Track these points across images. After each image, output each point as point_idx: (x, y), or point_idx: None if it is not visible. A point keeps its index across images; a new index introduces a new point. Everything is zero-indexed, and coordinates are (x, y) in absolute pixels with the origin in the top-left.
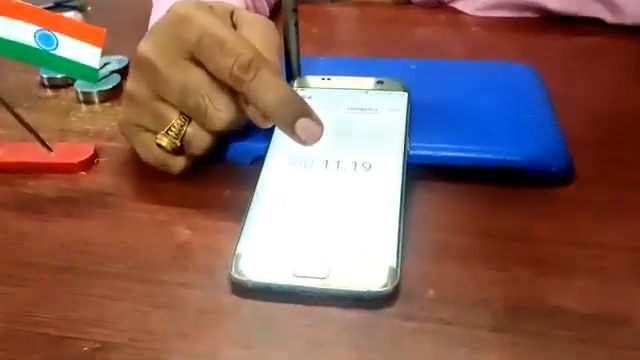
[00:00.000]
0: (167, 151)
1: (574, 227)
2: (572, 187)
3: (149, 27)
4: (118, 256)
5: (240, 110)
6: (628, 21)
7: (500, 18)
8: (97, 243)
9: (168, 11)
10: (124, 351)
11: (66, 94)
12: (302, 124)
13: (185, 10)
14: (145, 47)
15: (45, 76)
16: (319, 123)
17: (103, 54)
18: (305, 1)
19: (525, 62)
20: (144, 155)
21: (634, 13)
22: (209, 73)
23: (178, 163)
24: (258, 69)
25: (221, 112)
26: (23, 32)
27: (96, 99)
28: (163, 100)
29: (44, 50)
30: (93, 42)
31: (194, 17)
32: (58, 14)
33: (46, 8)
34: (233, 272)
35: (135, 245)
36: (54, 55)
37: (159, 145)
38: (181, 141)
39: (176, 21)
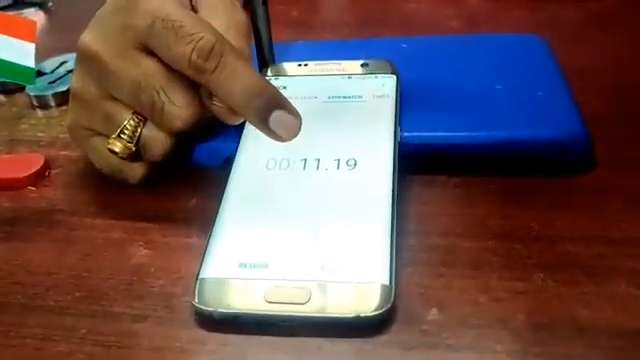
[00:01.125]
0: (121, 157)
1: (604, 221)
2: (595, 174)
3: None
4: (63, 285)
5: (203, 105)
6: None
7: None
8: (39, 271)
9: None
10: None
11: (19, 99)
12: (277, 117)
13: None
14: (88, 38)
15: None
16: (296, 116)
17: (61, 52)
18: None
19: (530, 33)
20: (98, 163)
21: None
22: (164, 63)
23: (135, 171)
24: (222, 55)
25: (180, 108)
26: None
27: (52, 102)
28: (113, 98)
29: None
30: (25, 37)
31: (143, 0)
32: None
33: (5, 7)
34: (196, 301)
35: (84, 271)
36: None
37: (111, 151)
38: (136, 145)
39: (123, 5)
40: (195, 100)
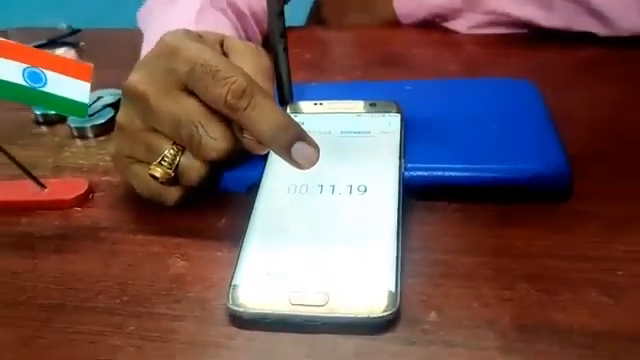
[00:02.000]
0: (161, 182)
1: (579, 242)
2: (574, 202)
3: (141, 55)
4: (110, 291)
5: (235, 138)
6: (620, 33)
7: (494, 35)
8: (89, 279)
9: (158, 42)
10: None
11: (60, 130)
12: (298, 148)
13: (175, 40)
14: (135, 78)
15: (38, 113)
16: (315, 146)
17: (96, 88)
18: (296, 27)
19: (523, 78)
20: (138, 187)
21: (625, 25)
22: (202, 102)
23: (173, 194)
24: (252, 96)
25: (216, 141)
26: (11, 70)
27: (90, 134)
28: (155, 131)
29: (33, 87)
30: (82, 77)
31: (184, 47)
32: (45, 51)
33: (40, 45)
34: (230, 303)
35: (129, 279)
36: (43, 92)
37: (152, 176)
38: (175, 171)
39: (166, 51)
40: (228, 134)
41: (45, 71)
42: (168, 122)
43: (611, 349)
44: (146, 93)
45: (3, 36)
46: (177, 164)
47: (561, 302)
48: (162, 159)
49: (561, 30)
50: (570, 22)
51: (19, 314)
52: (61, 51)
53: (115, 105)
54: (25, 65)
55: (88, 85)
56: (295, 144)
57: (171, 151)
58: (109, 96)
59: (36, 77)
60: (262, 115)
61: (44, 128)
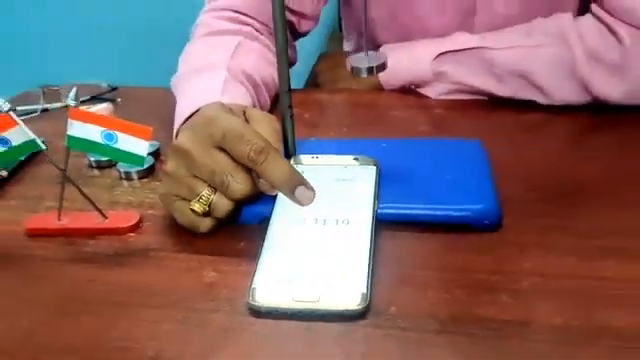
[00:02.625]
0: (198, 215)
1: (499, 261)
2: (500, 232)
3: (175, 117)
4: (163, 292)
5: (254, 183)
6: (556, 102)
7: (458, 100)
8: (145, 285)
9: (200, 113)
10: (173, 358)
11: (109, 173)
12: (300, 191)
13: (212, 113)
14: (183, 140)
15: (92, 159)
16: (312, 190)
17: None
18: (297, 90)
19: (478, 136)
20: (179, 218)
21: (559, 96)
22: (231, 157)
23: (206, 224)
24: (267, 153)
25: (240, 185)
26: (92, 132)
27: (135, 176)
28: (195, 177)
29: (107, 145)
30: (142, 137)
31: (219, 117)
32: (118, 118)
33: (84, 100)
34: (250, 300)
35: (174, 285)
36: (115, 148)
37: (192, 210)
38: (209, 207)
39: (206, 121)
40: (250, 180)
41: (117, 133)
42: (206, 171)
43: (511, 331)
44: (190, 150)
45: (56, 92)
46: (210, 201)
47: (481, 302)
48: (200, 198)
49: (511, 98)
50: (517, 92)
51: (95, 308)
52: (102, 106)
53: (154, 154)
54: (103, 128)
55: (147, 143)
56: (297, 188)
57: (207, 192)
58: (149, 147)
59: (110, 137)
60: (274, 167)
61: (96, 171)
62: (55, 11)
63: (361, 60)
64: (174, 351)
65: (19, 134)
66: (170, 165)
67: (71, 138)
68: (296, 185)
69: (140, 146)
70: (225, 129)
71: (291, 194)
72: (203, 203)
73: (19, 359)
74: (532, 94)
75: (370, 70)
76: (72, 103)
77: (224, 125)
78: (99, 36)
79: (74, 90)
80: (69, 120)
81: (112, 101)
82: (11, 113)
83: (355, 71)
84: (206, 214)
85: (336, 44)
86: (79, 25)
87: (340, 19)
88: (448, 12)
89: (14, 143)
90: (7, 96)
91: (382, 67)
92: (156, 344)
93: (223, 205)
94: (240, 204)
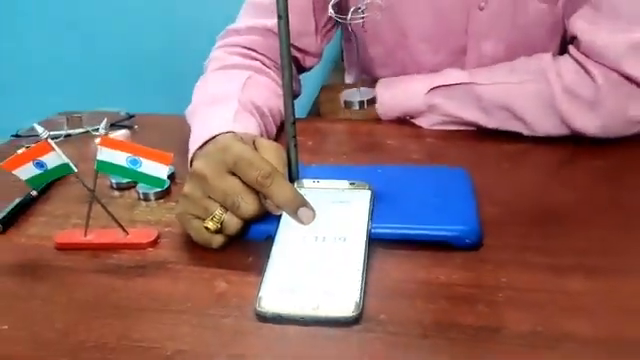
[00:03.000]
0: (211, 232)
1: (478, 276)
2: (482, 251)
3: (190, 144)
4: (179, 300)
5: (261, 204)
6: (538, 134)
7: (448, 131)
8: (164, 294)
9: (214, 141)
10: (189, 356)
11: (129, 194)
12: (302, 211)
13: (226, 141)
14: (200, 165)
15: (114, 181)
16: (312, 210)
17: None
18: (301, 119)
19: (466, 163)
20: (194, 235)
21: (541, 128)
22: (242, 181)
23: (218, 240)
24: (273, 178)
25: (250, 205)
26: (119, 158)
27: (152, 197)
28: (210, 198)
29: (132, 169)
30: (163, 162)
31: (232, 146)
32: (142, 146)
33: None
34: (257, 307)
35: (189, 293)
36: (139, 172)
37: (206, 228)
38: (220, 225)
39: (220, 148)
40: (257, 201)
41: (140, 158)
42: (219, 193)
43: (486, 336)
44: (206, 174)
45: (78, 119)
46: (222, 220)
47: (461, 311)
48: (213, 217)
49: (497, 129)
50: (503, 124)
51: (120, 313)
52: (120, 133)
53: (168, 177)
54: (128, 154)
55: (167, 168)
56: (300, 209)
57: (219, 211)
58: None
59: (135, 162)
60: (279, 190)
61: (117, 192)
62: (74, 41)
63: (353, 95)
64: (190, 351)
65: (54, 158)
66: (187, 187)
67: (100, 163)
68: (298, 206)
69: (161, 170)
70: (237, 156)
71: (294, 214)
72: (216, 222)
73: (58, 355)
74: (516, 126)
75: (361, 104)
76: (102, 132)
77: (236, 153)
78: (117, 65)
79: (105, 121)
80: (99, 146)
81: (129, 128)
82: (49, 140)
83: (348, 104)
84: (218, 231)
85: (338, 76)
86: (98, 55)
87: (343, 53)
88: (441, 52)
89: (49, 166)
90: (30, 122)
91: (372, 101)
92: (174, 344)
93: (233, 224)
94: (248, 222)
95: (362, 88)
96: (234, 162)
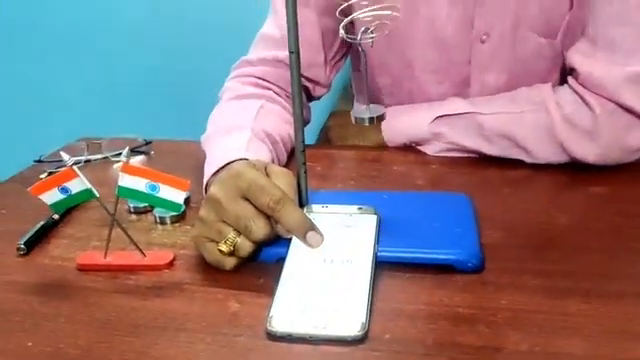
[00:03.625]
0: (224, 254)
1: (479, 297)
2: (483, 274)
3: (205, 170)
4: (195, 319)
5: (272, 227)
6: (539, 161)
7: (452, 158)
8: (180, 313)
9: (228, 168)
10: None
11: (146, 218)
12: (310, 235)
13: (239, 168)
14: (215, 190)
15: (132, 205)
16: (321, 234)
17: None
18: (310, 145)
19: (469, 190)
20: (208, 257)
21: (541, 156)
22: (254, 205)
23: (230, 262)
24: (284, 203)
25: (261, 229)
26: (138, 183)
27: (168, 221)
28: (224, 222)
29: (151, 194)
30: (180, 188)
31: (245, 172)
32: (160, 172)
33: (120, 153)
34: (268, 326)
35: (204, 313)
36: (157, 197)
37: (220, 250)
38: (233, 247)
39: (234, 174)
40: (268, 225)
41: (159, 184)
42: (233, 217)
43: (486, 355)
44: (220, 199)
45: (98, 145)
46: (235, 243)
47: (462, 331)
48: (226, 240)
49: (499, 157)
50: (504, 152)
51: (139, 331)
52: (137, 159)
53: (185, 201)
54: (147, 180)
55: (184, 193)
56: (309, 233)
57: (232, 235)
58: None
59: (153, 188)
60: (289, 214)
61: (134, 216)
62: (92, 68)
63: (363, 111)
64: None
65: (78, 184)
66: (202, 211)
67: (121, 188)
68: (307, 230)
69: (178, 195)
70: (249, 182)
71: (303, 238)
72: (229, 244)
73: None
74: (517, 154)
75: (371, 120)
76: (124, 159)
77: (249, 179)
78: (134, 93)
79: (127, 149)
80: (120, 173)
81: (146, 154)
82: (74, 167)
83: (358, 121)
84: (231, 254)
85: (346, 103)
86: (117, 81)
87: (351, 82)
88: (445, 83)
89: (73, 192)
90: (50, 147)
91: (381, 117)
92: None
93: (246, 247)
94: (260, 245)
95: (372, 105)
96: (247, 188)
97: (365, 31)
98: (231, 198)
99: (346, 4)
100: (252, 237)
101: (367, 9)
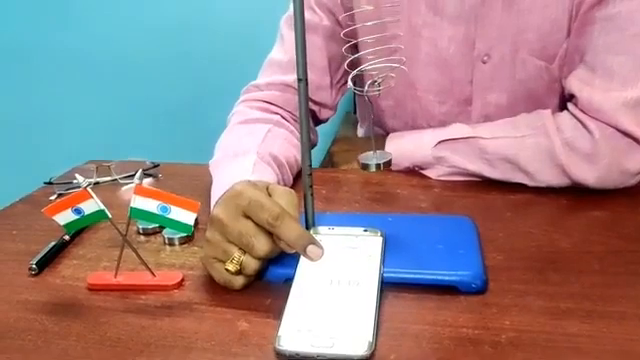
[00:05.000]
0: (232, 273)
1: (484, 318)
2: (486, 295)
3: (212, 193)
4: (204, 338)
5: (274, 243)
6: (542, 185)
7: (455, 181)
8: (189, 332)
9: (231, 188)
10: None
11: (155, 239)
12: (311, 248)
13: (240, 187)
14: (217, 211)
15: (141, 226)
16: (321, 247)
17: None
18: (315, 168)
19: (472, 213)
20: (216, 277)
21: (543, 179)
22: (255, 222)
23: (239, 281)
24: (283, 219)
25: (263, 245)
26: (150, 205)
27: (177, 242)
28: (229, 241)
29: (162, 215)
30: (191, 210)
31: (245, 191)
32: (171, 194)
33: (129, 176)
34: (277, 345)
35: (213, 332)
36: (168, 218)
37: (227, 270)
38: (240, 266)
39: (235, 194)
40: (270, 241)
41: (170, 206)
42: (235, 234)
43: None
44: (222, 219)
45: (107, 168)
46: (241, 262)
47: (466, 351)
48: (232, 259)
49: (501, 180)
50: (506, 175)
51: (149, 349)
52: (145, 181)
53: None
54: (159, 202)
55: (195, 214)
56: (309, 247)
57: (238, 254)
58: None
59: (165, 209)
60: (289, 229)
61: (143, 237)
62: (102, 93)
63: (370, 158)
64: None
65: (91, 205)
66: (208, 233)
67: (134, 209)
68: (307, 244)
69: (188, 217)
70: (249, 200)
71: (303, 251)
72: (235, 263)
73: None
74: (519, 177)
75: (378, 166)
76: (137, 181)
77: (248, 197)
78: (143, 117)
79: (140, 171)
80: (133, 195)
81: (154, 177)
82: (88, 188)
83: (365, 167)
84: (238, 273)
85: (349, 126)
86: (127, 106)
87: (355, 105)
88: (448, 102)
89: (86, 213)
90: (59, 168)
91: (388, 164)
92: None
93: (252, 264)
94: (267, 263)
95: (378, 151)
96: (247, 205)
97: (372, 84)
98: (233, 217)
99: (353, 42)
100: (255, 254)
101: (374, 62)
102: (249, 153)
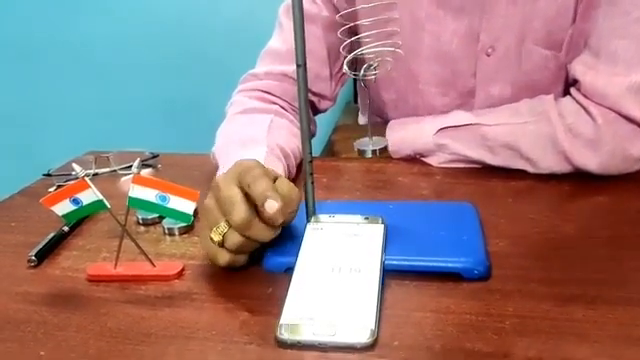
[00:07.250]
0: (214, 243)
1: (486, 304)
2: (489, 281)
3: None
4: (205, 328)
5: (250, 214)
6: (542, 171)
7: (456, 168)
8: (190, 321)
9: (239, 161)
10: None
11: (154, 229)
12: (267, 203)
13: (249, 163)
14: (220, 177)
15: (140, 217)
16: (276, 201)
17: None
18: (316, 157)
19: (473, 200)
20: (203, 246)
21: (545, 165)
22: (244, 193)
23: (224, 257)
24: (260, 178)
25: (240, 212)
26: (149, 194)
27: (177, 232)
28: (219, 209)
29: (161, 204)
30: (190, 199)
31: (246, 162)
32: (171, 183)
33: (128, 167)
34: (278, 334)
35: (214, 322)
36: (167, 207)
37: (211, 238)
38: (223, 237)
39: (236, 164)
40: (248, 211)
41: (169, 195)
42: (222, 200)
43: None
44: (219, 183)
45: (106, 159)
46: (224, 233)
47: (470, 338)
48: (217, 227)
49: (502, 167)
50: (508, 162)
51: (150, 340)
52: (144, 172)
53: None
54: (158, 191)
55: (194, 204)
56: (266, 201)
57: (224, 224)
58: None
59: (164, 198)
60: (259, 185)
61: (143, 228)
62: (101, 86)
63: (366, 144)
64: None
65: (89, 195)
66: (207, 200)
67: (132, 199)
68: (264, 199)
69: (188, 206)
70: (246, 168)
71: (261, 206)
72: (219, 234)
73: None
74: (521, 164)
75: (374, 152)
76: (135, 171)
77: (246, 165)
78: (143, 109)
79: (138, 161)
80: (131, 184)
81: (153, 167)
82: (86, 178)
83: (361, 153)
84: (221, 245)
85: (350, 116)
86: (125, 99)
87: (356, 95)
88: (450, 95)
89: (84, 203)
90: (57, 160)
91: (384, 150)
92: None
93: (232, 237)
94: (260, 250)
95: (374, 137)
96: (240, 172)
97: (368, 68)
98: (226, 182)
99: (350, 25)
100: (231, 220)
101: (371, 45)
102: (258, 144)
